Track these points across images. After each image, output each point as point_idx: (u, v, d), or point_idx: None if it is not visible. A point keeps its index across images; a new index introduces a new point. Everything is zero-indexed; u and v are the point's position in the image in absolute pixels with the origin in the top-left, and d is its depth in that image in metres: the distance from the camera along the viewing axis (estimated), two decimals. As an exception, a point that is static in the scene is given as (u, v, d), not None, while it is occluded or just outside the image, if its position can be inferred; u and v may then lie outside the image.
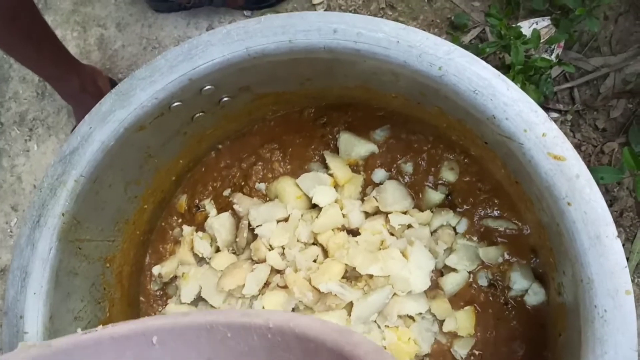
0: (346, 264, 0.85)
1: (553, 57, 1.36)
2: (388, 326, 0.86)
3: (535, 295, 0.86)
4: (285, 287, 0.86)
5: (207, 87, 0.77)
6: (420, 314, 0.87)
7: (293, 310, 0.87)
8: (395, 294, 0.85)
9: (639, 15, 1.36)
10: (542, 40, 1.32)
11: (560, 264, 0.73)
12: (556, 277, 0.76)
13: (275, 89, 0.86)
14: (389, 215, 0.88)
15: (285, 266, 0.87)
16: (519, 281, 0.86)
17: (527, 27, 1.38)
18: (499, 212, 0.89)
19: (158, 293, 0.99)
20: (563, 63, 1.30)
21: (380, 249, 0.87)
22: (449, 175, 0.91)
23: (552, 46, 1.36)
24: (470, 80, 0.67)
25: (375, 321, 0.87)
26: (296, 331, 0.51)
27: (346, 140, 0.94)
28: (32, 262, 0.74)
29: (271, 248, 0.89)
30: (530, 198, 0.75)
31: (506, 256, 0.88)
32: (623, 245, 1.28)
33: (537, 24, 1.38)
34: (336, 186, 0.92)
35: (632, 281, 1.27)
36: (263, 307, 0.86)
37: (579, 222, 0.64)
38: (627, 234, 1.29)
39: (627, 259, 1.28)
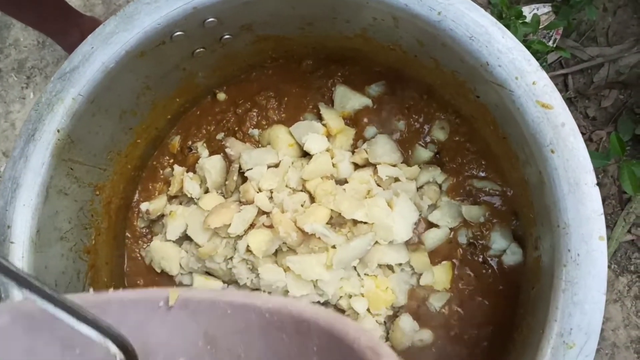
0: (332, 210, 0.86)
1: (551, 43, 1.38)
2: (367, 274, 0.88)
3: (513, 255, 0.88)
4: (270, 226, 0.87)
5: (210, 20, 0.79)
6: (400, 265, 0.89)
7: (277, 251, 0.88)
8: (377, 242, 0.86)
9: (636, 9, 1.39)
10: (541, 26, 1.34)
11: (539, 216, 0.75)
12: (534, 232, 0.78)
13: (276, 32, 0.88)
14: (377, 167, 0.90)
15: (273, 208, 0.89)
16: (498, 241, 0.88)
17: (528, 12, 1.40)
18: (484, 173, 0.91)
19: (144, 230, 1.00)
20: (560, 48, 1.32)
21: (366, 198, 0.88)
22: (439, 134, 0.93)
23: (551, 32, 1.38)
24: (467, 26, 0.69)
25: (355, 269, 0.88)
26: (293, 312, 0.53)
27: (342, 93, 0.96)
28: (24, 175, 0.75)
29: (260, 191, 0.90)
30: (516, 153, 0.77)
31: (488, 216, 0.90)
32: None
33: (537, 10, 1.40)
34: (328, 136, 0.94)
35: (609, 266, 1.30)
36: (247, 246, 0.87)
37: (561, 168, 0.66)
38: (608, 221, 1.31)
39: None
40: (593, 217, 0.64)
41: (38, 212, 0.76)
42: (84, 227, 0.87)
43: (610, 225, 1.31)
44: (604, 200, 1.32)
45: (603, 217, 0.64)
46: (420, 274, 0.90)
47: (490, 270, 0.89)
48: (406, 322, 0.88)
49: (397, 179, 0.91)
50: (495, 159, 0.89)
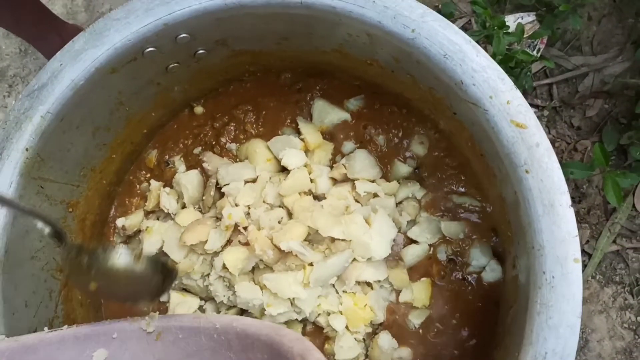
0: (309, 227, 0.85)
1: (535, 52, 1.37)
2: (346, 291, 0.87)
3: (492, 272, 0.87)
4: (247, 244, 0.86)
5: (183, 36, 0.77)
6: (379, 282, 0.88)
7: (253, 269, 0.87)
8: (355, 259, 0.85)
9: (621, 18, 1.38)
10: (525, 35, 1.33)
11: (516, 235, 0.74)
12: (512, 251, 0.77)
13: (252, 46, 0.86)
14: (355, 182, 0.89)
15: (249, 225, 0.87)
16: (478, 257, 0.87)
17: (512, 21, 1.39)
18: (464, 188, 0.90)
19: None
20: (544, 58, 1.31)
21: (344, 214, 0.87)
22: (418, 149, 0.92)
23: (535, 42, 1.37)
24: (441, 44, 0.68)
25: (333, 286, 0.87)
26: (237, 330, 0.58)
27: (320, 107, 0.95)
28: (-10, 195, 0.74)
29: (237, 206, 0.89)
30: (494, 171, 0.76)
31: (467, 232, 0.89)
32: (587, 242, 1.31)
33: (522, 19, 1.39)
34: (307, 151, 0.93)
35: (593, 277, 1.29)
36: (224, 264, 0.86)
37: (535, 189, 0.65)
38: (593, 232, 1.31)
39: (590, 256, 1.29)
40: (568, 239, 0.63)
41: (6, 233, 0.74)
42: (57, 245, 0.85)
43: (595, 236, 1.30)
44: (588, 211, 1.32)
45: (578, 239, 0.63)
46: (400, 291, 0.89)
47: (469, 287, 0.88)
48: (385, 340, 0.87)
49: (375, 195, 0.90)
50: (474, 175, 0.88)
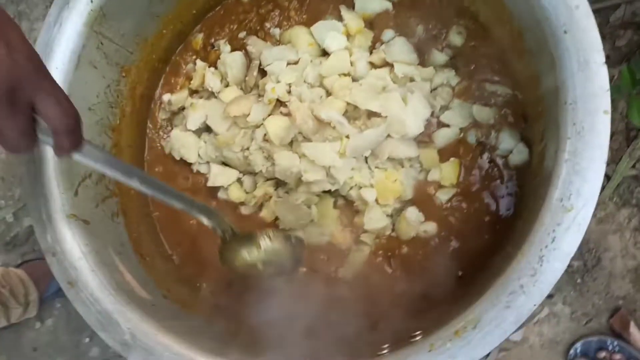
0: (347, 104, 0.90)
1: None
2: (378, 167, 0.92)
3: (519, 154, 0.90)
4: (288, 114, 0.91)
5: None
6: (410, 160, 0.92)
7: (292, 142, 0.92)
8: (389, 135, 0.89)
9: (657, -49, 1.40)
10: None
11: (546, 113, 0.78)
12: (540, 128, 0.81)
13: None
14: (394, 64, 0.93)
15: (291, 97, 0.92)
16: (506, 140, 0.91)
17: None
18: (497, 77, 0.94)
19: (165, 122, 1.04)
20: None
21: (381, 94, 0.92)
22: (456, 39, 0.96)
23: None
24: None
25: (366, 162, 0.92)
26: None
27: (363, -5, 0.98)
28: (57, 40, 0.80)
29: (279, 83, 0.94)
30: (530, 47, 0.80)
31: (498, 118, 0.93)
32: (607, 165, 1.34)
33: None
34: (348, 37, 0.97)
35: (610, 199, 1.34)
36: (265, 135, 0.91)
37: (572, 48, 0.69)
38: (614, 156, 1.34)
39: (610, 178, 1.33)
40: (600, 93, 0.67)
41: (69, 77, 0.80)
42: (110, 106, 0.91)
43: (615, 160, 1.34)
44: (611, 136, 1.35)
45: (609, 93, 0.67)
46: (428, 171, 0.93)
47: (496, 169, 0.92)
48: (412, 213, 0.92)
49: (412, 79, 0.94)
50: (508, 63, 0.92)
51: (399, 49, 0.94)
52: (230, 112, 0.92)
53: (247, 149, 0.94)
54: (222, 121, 0.95)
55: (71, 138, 0.58)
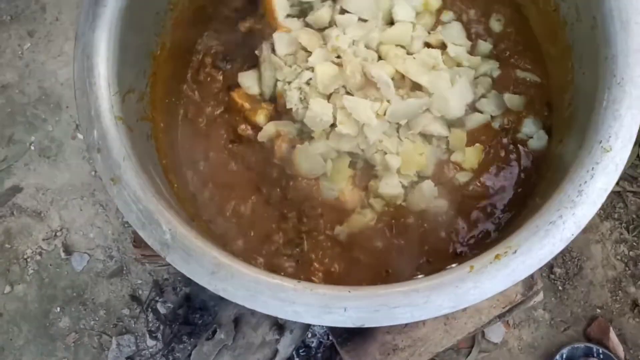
0: (397, 71, 0.93)
1: None
2: (408, 137, 0.95)
3: (539, 140, 0.96)
4: (340, 65, 0.94)
5: None
6: (439, 138, 0.96)
7: (332, 93, 0.94)
8: (428, 110, 0.94)
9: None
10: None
11: (577, 67, 0.84)
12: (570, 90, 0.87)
13: None
14: (448, 45, 0.98)
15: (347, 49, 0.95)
16: (529, 126, 0.97)
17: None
18: (529, 65, 1.00)
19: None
20: None
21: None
22: (495, 25, 1.02)
23: None
24: None
25: (398, 132, 0.95)
26: None
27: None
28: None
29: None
30: (565, 20, 0.87)
31: (525, 105, 0.99)
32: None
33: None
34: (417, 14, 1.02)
35: (595, 212, 1.41)
36: (309, 79, 0.94)
37: (615, 9, 0.76)
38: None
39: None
40: (639, 49, 0.74)
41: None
42: (155, 35, 0.93)
43: (600, 177, 1.42)
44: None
45: (648, 50, 0.74)
46: (452, 152, 0.97)
47: (515, 154, 0.97)
48: (428, 186, 0.94)
49: (460, 64, 0.99)
50: (539, 50, 0.99)
51: (455, 32, 1.00)
52: (299, 40, 0.96)
53: (289, 83, 0.96)
54: (287, 44, 0.98)
55: None
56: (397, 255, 0.93)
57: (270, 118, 0.99)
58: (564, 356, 1.34)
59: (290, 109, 0.95)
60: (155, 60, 0.93)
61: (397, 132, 0.95)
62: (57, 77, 1.65)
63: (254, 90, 1.01)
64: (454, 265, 0.75)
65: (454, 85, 0.94)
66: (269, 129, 0.97)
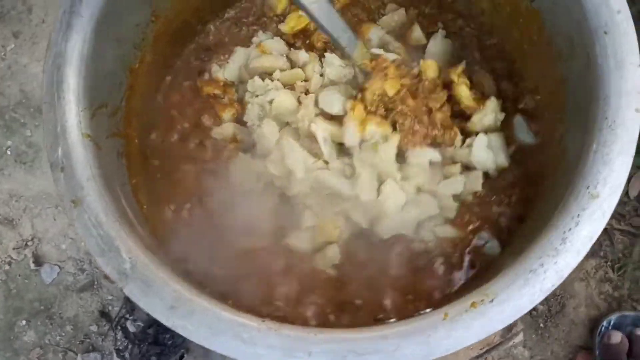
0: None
1: None
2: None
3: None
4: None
5: None
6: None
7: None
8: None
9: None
10: None
11: (569, 107, 0.81)
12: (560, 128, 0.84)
13: None
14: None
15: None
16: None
17: None
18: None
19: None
20: None
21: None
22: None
23: None
24: None
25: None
26: None
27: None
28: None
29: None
30: (559, 51, 0.83)
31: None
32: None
33: None
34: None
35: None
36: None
37: (610, 47, 0.73)
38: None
39: None
40: (632, 92, 0.71)
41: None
42: (135, 47, 0.89)
43: (587, 213, 1.39)
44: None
45: (640, 93, 0.71)
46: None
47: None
48: (333, 251, 0.88)
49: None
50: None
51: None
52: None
53: (257, 96, 0.95)
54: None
55: None
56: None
57: (235, 120, 0.97)
58: (612, 322, 1.30)
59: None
60: (132, 73, 0.89)
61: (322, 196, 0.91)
62: (39, 82, 1.60)
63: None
64: (428, 310, 0.72)
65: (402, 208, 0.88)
66: (227, 128, 0.95)
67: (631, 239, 1.38)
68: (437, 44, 0.98)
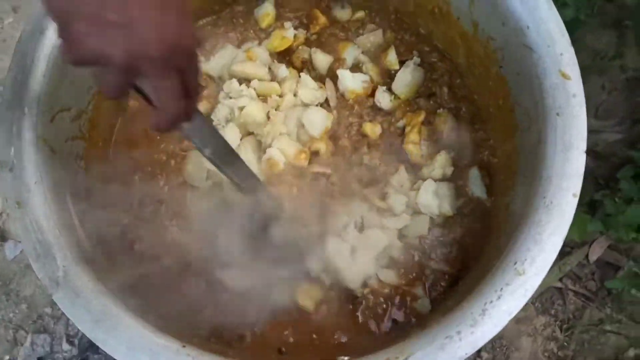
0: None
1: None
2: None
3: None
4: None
5: None
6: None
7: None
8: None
9: (629, 96, 1.53)
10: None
11: (521, 174, 0.83)
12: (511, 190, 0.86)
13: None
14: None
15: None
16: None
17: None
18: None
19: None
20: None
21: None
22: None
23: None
24: (520, -8, 0.78)
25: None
26: None
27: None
28: None
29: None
30: (518, 123, 0.85)
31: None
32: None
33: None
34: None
35: (533, 303, 1.39)
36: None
37: (560, 129, 0.74)
38: (545, 265, 1.41)
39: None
40: (574, 176, 0.72)
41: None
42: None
43: (545, 269, 1.41)
44: (547, 246, 1.42)
45: (582, 178, 0.72)
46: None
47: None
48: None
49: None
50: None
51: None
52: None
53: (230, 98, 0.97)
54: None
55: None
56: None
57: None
58: None
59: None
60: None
61: None
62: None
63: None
64: (345, 358, 0.73)
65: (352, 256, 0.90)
66: None
67: (584, 302, 1.40)
68: (409, 72, 1.00)
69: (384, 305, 0.88)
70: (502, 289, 0.69)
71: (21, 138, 0.74)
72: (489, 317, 0.69)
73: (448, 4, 0.92)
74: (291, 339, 0.85)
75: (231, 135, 0.92)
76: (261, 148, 0.94)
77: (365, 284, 0.89)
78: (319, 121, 0.94)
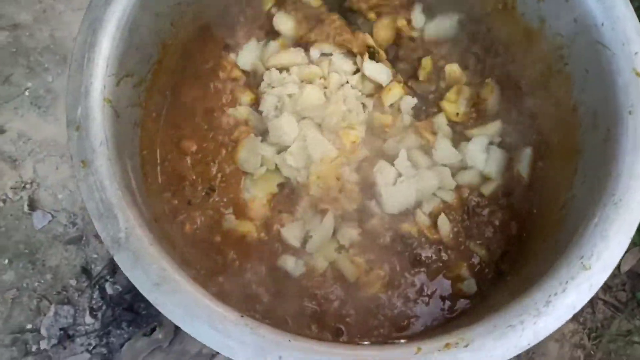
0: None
1: None
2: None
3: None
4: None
5: None
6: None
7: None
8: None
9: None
10: None
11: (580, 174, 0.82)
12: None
13: None
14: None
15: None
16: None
17: None
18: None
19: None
20: None
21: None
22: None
23: None
24: (598, -13, 0.78)
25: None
26: None
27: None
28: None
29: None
30: (580, 121, 0.84)
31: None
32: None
33: None
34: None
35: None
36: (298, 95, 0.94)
37: (632, 128, 0.74)
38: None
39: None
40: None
41: None
42: (171, 23, 0.90)
43: (576, 277, 1.40)
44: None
45: (652, 181, 0.72)
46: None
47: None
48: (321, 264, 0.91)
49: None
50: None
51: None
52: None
53: (273, 87, 0.98)
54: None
55: None
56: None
57: (251, 105, 0.99)
58: None
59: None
60: (164, 48, 0.91)
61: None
62: (71, 31, 1.62)
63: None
64: (402, 340, 0.73)
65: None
66: (242, 110, 0.97)
67: (613, 312, 1.39)
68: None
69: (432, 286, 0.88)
70: (567, 282, 0.69)
71: (89, 99, 0.73)
72: (553, 308, 0.68)
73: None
74: (347, 319, 0.85)
75: (288, 124, 0.92)
76: (323, 129, 0.93)
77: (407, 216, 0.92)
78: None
